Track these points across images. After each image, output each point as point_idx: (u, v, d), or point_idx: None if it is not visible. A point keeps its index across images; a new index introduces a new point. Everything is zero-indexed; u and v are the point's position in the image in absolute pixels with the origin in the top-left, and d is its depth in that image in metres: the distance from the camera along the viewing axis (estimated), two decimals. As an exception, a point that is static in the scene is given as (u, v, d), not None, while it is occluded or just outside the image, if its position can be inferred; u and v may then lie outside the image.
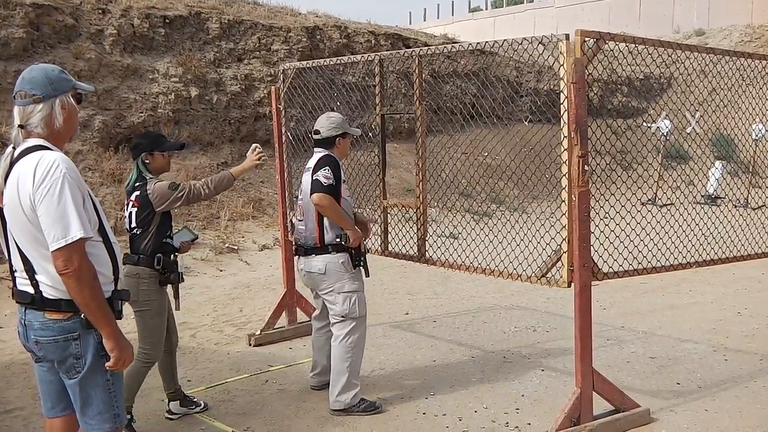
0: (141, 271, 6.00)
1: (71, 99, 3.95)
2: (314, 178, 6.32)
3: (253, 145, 6.84)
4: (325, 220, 6.40)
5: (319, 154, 6.54)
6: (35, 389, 7.41)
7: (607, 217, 6.58)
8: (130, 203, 6.06)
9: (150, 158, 6.12)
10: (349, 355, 6.48)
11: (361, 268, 6.61)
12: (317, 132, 6.59)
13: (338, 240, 6.43)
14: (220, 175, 6.40)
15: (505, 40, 6.43)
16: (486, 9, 52.53)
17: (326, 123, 6.59)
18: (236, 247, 13.18)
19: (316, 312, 7.03)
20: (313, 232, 6.45)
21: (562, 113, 5.72)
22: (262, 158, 6.71)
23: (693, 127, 17.22)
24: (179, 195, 6.05)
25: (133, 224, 6.04)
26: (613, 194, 6.93)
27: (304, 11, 21.01)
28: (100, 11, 15.63)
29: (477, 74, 18.76)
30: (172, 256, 6.23)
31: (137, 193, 6.03)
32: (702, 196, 17.22)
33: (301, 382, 7.27)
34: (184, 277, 6.53)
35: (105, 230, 4.00)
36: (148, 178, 6.08)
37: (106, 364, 3.84)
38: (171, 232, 6.29)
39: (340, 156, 6.62)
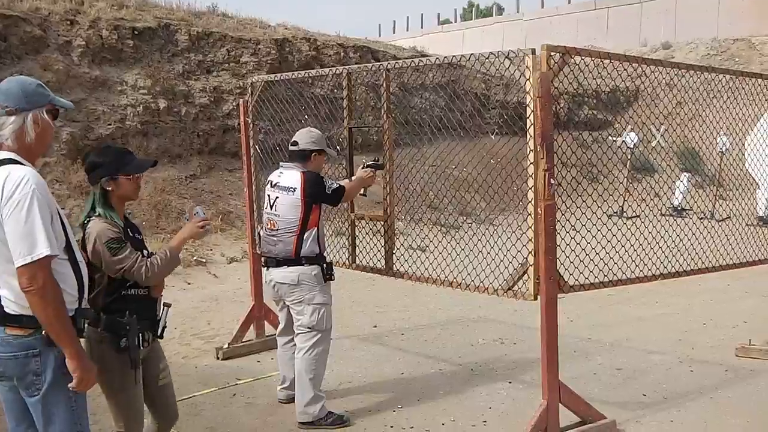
0: (91, 332, 4.37)
1: (45, 114, 3.91)
2: (313, 196, 6.51)
3: (196, 208, 5.24)
4: (305, 234, 6.46)
5: (294, 170, 6.56)
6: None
7: (573, 230, 6.63)
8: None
9: (113, 184, 4.61)
10: (314, 367, 6.50)
11: (332, 280, 6.67)
12: (295, 143, 6.63)
13: (314, 253, 6.55)
14: (167, 259, 4.69)
15: (472, 54, 6.48)
16: (455, 22, 52.73)
17: (306, 136, 6.65)
18: (204, 260, 13.14)
19: (281, 326, 7.04)
20: (289, 245, 6.48)
21: (528, 127, 5.76)
22: (207, 228, 4.98)
23: (658, 140, 17.38)
24: (117, 266, 4.48)
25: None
26: (579, 207, 6.97)
27: (274, 23, 21.01)
28: (68, 22, 15.56)
29: (445, 87, 18.82)
30: (131, 313, 4.54)
31: (82, 234, 4.60)
32: (668, 208, 17.35)
33: (269, 396, 7.26)
34: (162, 333, 4.84)
35: (72, 248, 3.96)
36: (96, 214, 4.60)
37: (69, 385, 3.81)
38: (126, 290, 4.60)
39: (314, 171, 6.68)
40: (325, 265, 6.61)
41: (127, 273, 4.49)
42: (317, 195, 6.53)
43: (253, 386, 7.62)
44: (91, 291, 4.34)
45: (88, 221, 4.60)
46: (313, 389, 6.48)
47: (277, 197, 6.59)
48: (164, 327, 4.78)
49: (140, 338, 4.55)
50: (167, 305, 4.83)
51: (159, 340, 4.87)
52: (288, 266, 6.52)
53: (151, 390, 4.83)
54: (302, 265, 6.50)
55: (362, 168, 7.07)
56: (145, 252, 4.70)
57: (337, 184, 6.73)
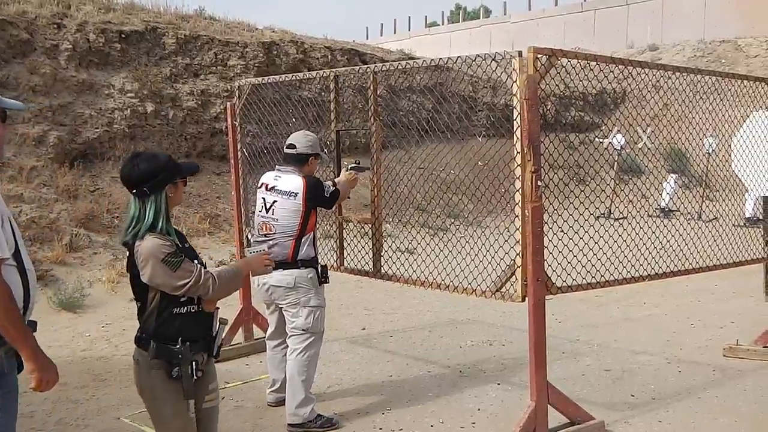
0: (139, 356, 4.24)
1: None
2: (314, 200, 6.59)
3: (262, 248, 4.91)
4: (303, 238, 6.48)
5: (294, 175, 6.57)
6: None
7: (561, 231, 6.64)
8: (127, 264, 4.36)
9: (173, 190, 4.25)
10: (306, 369, 6.51)
11: (327, 283, 6.69)
12: (292, 146, 6.64)
13: (310, 257, 6.59)
14: (234, 274, 4.40)
15: (459, 56, 6.49)
16: (443, 24, 52.77)
17: (303, 140, 6.67)
18: (193, 263, 13.09)
19: (271, 329, 7.05)
20: (286, 249, 6.48)
21: (515, 129, 5.78)
22: (269, 266, 4.70)
23: (644, 142, 17.41)
24: (180, 282, 4.05)
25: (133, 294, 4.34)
26: (566, 209, 6.98)
27: (261, 27, 20.95)
28: (55, 26, 15.50)
29: (433, 89, 18.84)
30: (185, 333, 4.17)
31: (129, 255, 4.21)
32: (655, 209, 17.40)
33: (257, 399, 7.26)
34: (218, 351, 4.44)
35: (20, 255, 3.93)
36: (149, 229, 4.10)
37: (29, 386, 3.83)
38: (178, 308, 4.17)
39: (311, 171, 6.76)
40: (320, 268, 6.66)
41: (192, 288, 4.06)
42: (317, 199, 6.60)
43: (242, 389, 7.61)
44: (141, 314, 4.21)
45: (136, 239, 4.08)
46: (305, 391, 6.49)
47: (275, 201, 6.57)
48: (220, 345, 4.42)
49: (194, 366, 4.17)
50: (223, 321, 4.42)
51: (214, 359, 4.43)
52: (284, 269, 6.52)
53: (195, 411, 4.34)
54: (299, 268, 6.51)
55: (345, 171, 7.16)
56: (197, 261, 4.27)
57: (332, 187, 6.78)
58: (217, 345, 4.36)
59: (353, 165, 7.19)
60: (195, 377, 4.18)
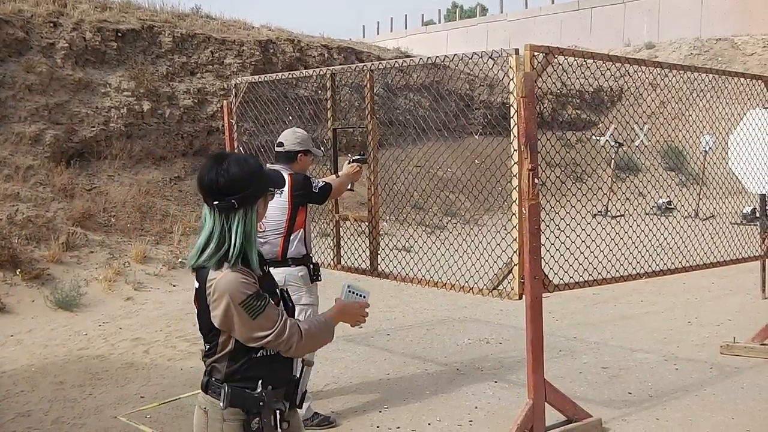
0: (208, 404, 3.35)
1: None
2: (300, 197, 6.50)
3: (356, 289, 3.72)
4: (292, 235, 6.46)
5: (282, 173, 6.54)
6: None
7: (558, 229, 6.65)
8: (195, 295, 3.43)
9: (262, 205, 3.43)
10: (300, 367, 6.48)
11: (319, 281, 6.66)
12: (281, 144, 6.62)
13: (300, 255, 6.54)
14: (324, 327, 3.50)
15: (455, 54, 6.49)
16: (439, 22, 52.70)
17: (291, 137, 6.63)
18: (190, 262, 13.08)
19: None
20: (276, 246, 6.47)
21: (512, 127, 5.78)
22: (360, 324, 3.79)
23: (641, 140, 17.41)
24: (259, 334, 3.23)
25: (199, 330, 3.44)
26: (563, 207, 6.98)
27: (257, 25, 20.96)
28: (51, 24, 15.49)
29: (430, 88, 18.84)
30: (264, 380, 3.34)
31: (197, 285, 3.34)
32: (652, 206, 17.40)
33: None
34: (302, 401, 3.71)
35: None
36: (227, 254, 3.23)
37: None
38: (257, 352, 3.33)
39: (300, 172, 6.66)
40: (311, 265, 6.61)
41: (272, 343, 3.25)
42: (304, 196, 6.53)
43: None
44: (209, 356, 3.36)
45: (210, 267, 3.25)
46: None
47: None
48: (304, 393, 3.74)
49: (277, 417, 3.40)
50: (308, 363, 3.77)
51: (298, 410, 3.68)
52: (274, 267, 6.50)
53: None
54: (289, 266, 6.49)
55: (348, 163, 7.05)
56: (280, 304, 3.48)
57: (323, 182, 6.71)
58: (301, 392, 3.58)
59: (355, 157, 7.13)
60: (279, 428, 3.41)
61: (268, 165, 6.80)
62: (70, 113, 14.91)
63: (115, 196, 14.05)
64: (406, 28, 52.06)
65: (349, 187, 7.13)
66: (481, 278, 6.38)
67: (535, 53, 5.79)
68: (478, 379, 7.74)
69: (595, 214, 9.71)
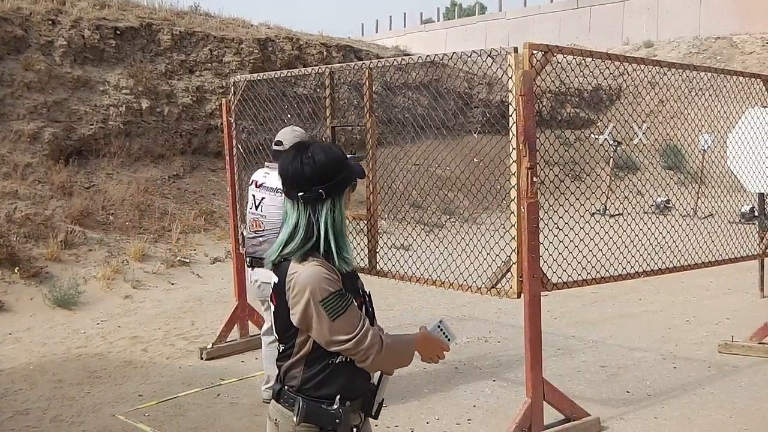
0: (278, 415, 3.15)
1: None
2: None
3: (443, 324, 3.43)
4: None
5: (275, 173, 6.53)
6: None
7: (557, 228, 6.64)
8: (270, 294, 3.23)
9: (348, 196, 3.52)
10: None
11: None
12: (279, 143, 6.61)
13: None
14: (404, 346, 3.22)
15: (454, 52, 6.50)
16: (438, 21, 52.73)
17: (290, 135, 6.60)
18: (188, 260, 13.10)
19: (266, 326, 7.04)
20: None
21: (510, 125, 5.78)
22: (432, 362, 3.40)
23: (640, 138, 17.39)
24: (338, 338, 2.98)
25: (275, 330, 3.21)
26: (562, 205, 6.97)
27: (256, 23, 20.95)
28: (50, 22, 15.49)
29: (428, 86, 18.84)
30: (339, 404, 3.09)
31: (276, 280, 3.13)
32: (650, 205, 17.40)
33: (253, 396, 7.25)
34: (378, 412, 3.33)
35: None
36: (311, 251, 3.04)
37: None
38: (335, 357, 3.06)
39: None
40: None
41: (350, 350, 3.00)
42: None
43: (237, 386, 7.61)
44: (284, 360, 3.13)
45: (289, 261, 3.05)
46: None
47: (263, 198, 6.58)
48: (381, 402, 3.29)
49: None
50: (388, 372, 3.28)
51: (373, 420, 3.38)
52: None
53: None
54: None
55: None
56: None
57: None
58: (377, 402, 3.27)
59: (349, 156, 7.08)
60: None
61: (266, 163, 6.81)
62: (69, 111, 14.91)
63: (114, 194, 14.05)
64: (404, 26, 52.08)
65: None
66: (479, 277, 6.39)
67: (534, 52, 5.79)
68: (477, 378, 7.74)
69: (594, 213, 9.71)
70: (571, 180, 10.98)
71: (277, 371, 3.01)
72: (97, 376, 8.03)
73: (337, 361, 3.05)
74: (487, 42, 39.35)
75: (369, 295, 3.23)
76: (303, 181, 3.03)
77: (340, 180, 3.07)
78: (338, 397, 3.07)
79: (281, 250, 3.07)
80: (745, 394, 7.17)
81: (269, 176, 6.60)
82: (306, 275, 2.96)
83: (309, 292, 2.94)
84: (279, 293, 3.07)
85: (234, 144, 8.73)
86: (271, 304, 3.16)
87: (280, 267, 3.08)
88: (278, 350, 3.17)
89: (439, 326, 3.34)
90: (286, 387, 3.12)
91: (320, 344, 3.00)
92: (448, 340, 3.37)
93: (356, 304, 3.06)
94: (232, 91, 8.72)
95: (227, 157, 8.89)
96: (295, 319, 2.99)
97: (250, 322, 8.87)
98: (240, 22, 20.40)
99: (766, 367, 7.95)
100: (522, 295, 5.81)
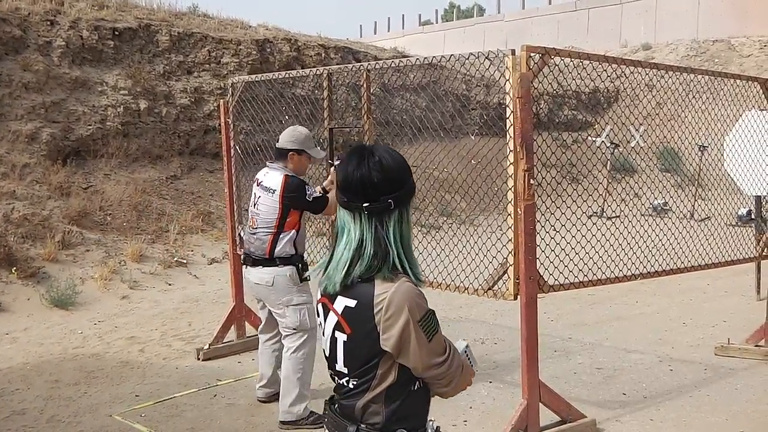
0: None
1: None
2: (292, 201, 6.45)
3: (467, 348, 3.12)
4: (281, 234, 6.47)
5: (277, 171, 6.57)
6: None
7: (554, 230, 6.66)
8: (331, 311, 2.79)
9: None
10: (301, 366, 6.50)
11: (308, 281, 6.64)
12: (278, 140, 6.65)
13: (288, 254, 6.52)
14: (466, 366, 2.94)
15: (452, 55, 6.51)
16: (436, 23, 52.80)
17: (287, 135, 6.63)
18: (185, 261, 13.10)
19: (262, 324, 7.06)
20: (265, 243, 6.50)
21: (508, 127, 5.80)
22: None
23: (637, 141, 17.40)
24: (438, 360, 2.74)
25: (340, 364, 2.81)
26: (559, 207, 7.00)
27: (255, 24, 20.95)
28: (48, 23, 15.49)
29: (426, 88, 18.85)
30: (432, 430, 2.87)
31: (351, 303, 2.71)
32: (647, 207, 17.42)
33: (250, 396, 7.26)
34: None
35: None
36: (396, 264, 2.71)
37: None
38: (414, 383, 2.77)
39: (295, 172, 6.58)
40: (300, 265, 6.60)
41: (441, 374, 2.76)
42: (296, 201, 6.45)
43: (234, 387, 7.61)
44: (363, 392, 2.75)
45: (371, 282, 2.67)
46: (300, 388, 6.48)
47: (260, 196, 6.61)
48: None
49: None
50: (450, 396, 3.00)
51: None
52: (263, 266, 6.53)
53: None
54: (276, 266, 6.50)
55: (333, 168, 6.72)
56: None
57: (319, 192, 6.59)
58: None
59: (338, 162, 6.76)
60: None
61: (267, 162, 6.82)
62: (67, 111, 14.91)
63: (112, 195, 14.05)
64: (403, 28, 52.12)
65: None
66: (476, 278, 6.39)
67: (532, 54, 5.81)
68: (473, 379, 7.73)
69: (591, 215, 9.72)
70: (568, 182, 10.98)
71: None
72: (94, 377, 8.03)
73: (415, 387, 2.76)
74: (486, 44, 39.41)
75: None
76: (371, 189, 2.67)
77: (409, 188, 2.78)
78: (431, 421, 2.84)
79: (349, 270, 2.68)
80: (741, 396, 7.19)
81: (267, 175, 6.63)
82: (402, 293, 2.64)
83: (408, 311, 2.63)
84: (357, 318, 2.68)
85: (232, 145, 8.73)
86: (339, 334, 2.75)
87: (354, 289, 2.69)
88: (341, 384, 2.81)
89: (465, 351, 3.04)
90: (364, 426, 2.75)
91: (414, 370, 2.70)
92: (472, 366, 3.06)
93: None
94: (230, 92, 8.73)
95: (225, 158, 8.90)
96: (389, 343, 2.63)
97: (247, 323, 8.87)
98: (238, 23, 20.41)
99: (762, 369, 7.96)
100: (518, 297, 5.82)
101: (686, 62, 29.45)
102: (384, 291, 2.63)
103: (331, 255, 2.76)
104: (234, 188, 8.77)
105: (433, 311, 2.73)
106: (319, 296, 2.84)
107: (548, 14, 41.02)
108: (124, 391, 7.56)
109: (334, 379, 2.88)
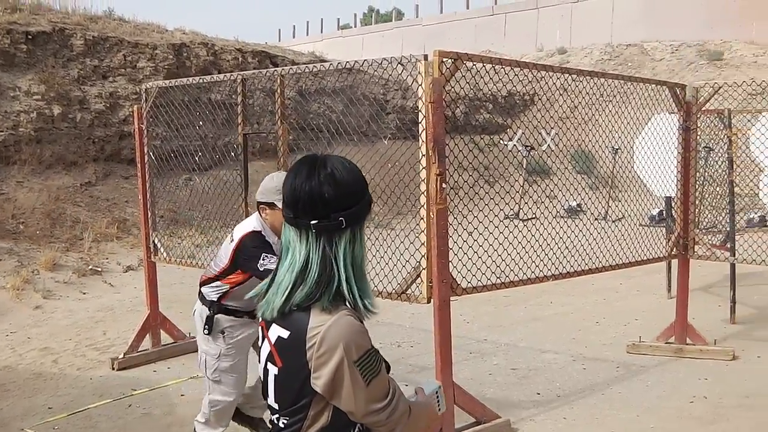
0: None
1: None
2: (239, 264, 5.52)
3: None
4: (216, 282, 5.64)
5: (247, 223, 5.65)
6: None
7: (467, 233, 6.72)
8: (266, 339, 2.54)
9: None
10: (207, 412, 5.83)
11: (222, 334, 5.72)
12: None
13: (210, 299, 5.69)
14: (421, 409, 2.63)
15: (365, 60, 6.55)
16: (355, 26, 52.85)
17: (263, 182, 5.40)
18: (100, 269, 12.92)
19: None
20: (209, 273, 5.69)
21: (420, 132, 5.84)
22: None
23: (548, 144, 17.64)
24: (375, 407, 2.41)
25: (271, 399, 2.55)
26: (471, 211, 7.07)
27: (171, 28, 20.78)
28: (-43, 27, 15.18)
29: (343, 92, 18.87)
30: None
31: (283, 334, 2.45)
32: (560, 209, 17.66)
33: (165, 406, 7.19)
34: None
35: None
36: (337, 291, 2.44)
37: None
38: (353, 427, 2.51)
39: (272, 227, 5.33)
40: (215, 314, 5.71)
41: (380, 423, 2.44)
42: (245, 265, 5.48)
43: (149, 396, 7.53)
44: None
45: (308, 311, 2.40)
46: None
47: (229, 236, 5.78)
48: None
49: None
50: None
51: None
52: (199, 297, 5.86)
53: None
54: (201, 300, 5.77)
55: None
56: None
57: (273, 264, 4.94)
58: None
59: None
60: None
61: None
62: (-23, 118, 14.61)
63: (24, 203, 13.79)
64: (322, 31, 52.15)
65: None
66: (390, 282, 6.42)
67: (444, 59, 5.85)
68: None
69: (506, 218, 9.79)
70: (483, 185, 11.07)
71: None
72: (6, 389, 7.87)
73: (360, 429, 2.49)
74: (404, 48, 39.56)
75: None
76: (321, 205, 2.38)
77: (364, 204, 2.48)
78: None
79: (289, 295, 2.40)
80: (652, 392, 7.35)
81: (242, 222, 5.81)
82: (338, 328, 2.34)
83: (342, 349, 2.32)
84: (288, 351, 2.41)
85: (146, 151, 8.64)
86: (271, 365, 2.49)
87: (290, 317, 2.41)
88: (272, 421, 2.54)
89: (436, 392, 2.81)
90: None
91: (350, 414, 2.40)
92: (439, 410, 2.80)
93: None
94: (144, 98, 8.64)
95: (139, 165, 8.80)
96: (320, 383, 2.35)
97: (162, 331, 8.79)
98: (155, 27, 20.21)
99: (673, 366, 8.15)
100: (432, 300, 5.87)
101: (600, 66, 29.95)
102: (319, 324, 2.34)
103: (273, 277, 2.49)
104: (148, 195, 8.67)
105: (376, 351, 2.41)
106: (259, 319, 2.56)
107: (466, 18, 41.40)
108: (37, 403, 7.43)
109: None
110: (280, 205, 4.52)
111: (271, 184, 5.22)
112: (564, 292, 11.49)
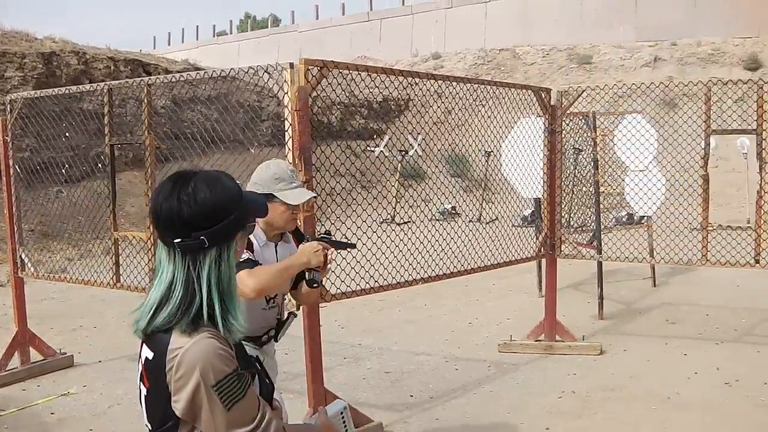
0: None
1: None
2: None
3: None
4: None
5: None
6: None
7: (345, 238, 6.76)
8: (141, 369, 2.44)
9: (241, 243, 2.57)
10: None
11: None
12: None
13: None
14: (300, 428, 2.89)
15: (231, 68, 6.55)
16: (231, 33, 52.51)
17: (254, 176, 4.60)
18: (-33, 285, 12.54)
19: None
20: None
21: (287, 139, 5.86)
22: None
23: (415, 150, 17.86)
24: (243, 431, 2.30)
25: (145, 419, 2.44)
26: (349, 216, 7.13)
27: (41, 36, 20.30)
28: None
29: (218, 100, 18.74)
30: None
31: (149, 355, 2.36)
32: (435, 212, 17.88)
33: (35, 425, 7.01)
34: None
35: None
36: (199, 313, 2.34)
37: None
38: None
39: (268, 225, 4.45)
40: None
41: None
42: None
43: (18, 416, 7.30)
44: None
45: (170, 332, 2.31)
46: None
47: None
48: None
49: None
50: None
51: None
52: None
53: None
54: None
55: (307, 240, 4.43)
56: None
57: (249, 259, 4.18)
58: None
59: (323, 235, 4.49)
60: None
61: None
62: None
63: None
64: (197, 38, 51.62)
65: (308, 276, 4.26)
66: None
67: (310, 67, 5.88)
68: (266, 391, 7.74)
69: (382, 222, 9.94)
70: (360, 190, 11.16)
71: None
72: None
73: None
74: (280, 55, 39.52)
75: (261, 364, 2.61)
76: (180, 224, 2.30)
77: (229, 224, 2.36)
78: None
79: (153, 317, 2.32)
80: (522, 390, 7.54)
81: None
82: (195, 352, 2.25)
83: (199, 373, 2.23)
84: (154, 372, 2.32)
85: (11, 164, 8.43)
86: (142, 385, 2.39)
87: (154, 339, 2.33)
88: None
89: (342, 414, 2.77)
90: None
91: None
92: (346, 430, 2.78)
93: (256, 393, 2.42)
94: (9, 109, 8.44)
95: (4, 178, 8.58)
96: (178, 407, 2.27)
97: (31, 348, 8.56)
98: (23, 35, 19.73)
99: (542, 363, 8.37)
100: (300, 307, 5.89)
101: (474, 70, 30.49)
102: (178, 346, 2.26)
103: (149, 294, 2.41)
104: (14, 209, 8.45)
105: (240, 374, 2.29)
106: None
107: (342, 24, 41.58)
108: None
109: None
110: (279, 195, 4.32)
111: (267, 173, 4.45)
112: (438, 294, 11.64)
